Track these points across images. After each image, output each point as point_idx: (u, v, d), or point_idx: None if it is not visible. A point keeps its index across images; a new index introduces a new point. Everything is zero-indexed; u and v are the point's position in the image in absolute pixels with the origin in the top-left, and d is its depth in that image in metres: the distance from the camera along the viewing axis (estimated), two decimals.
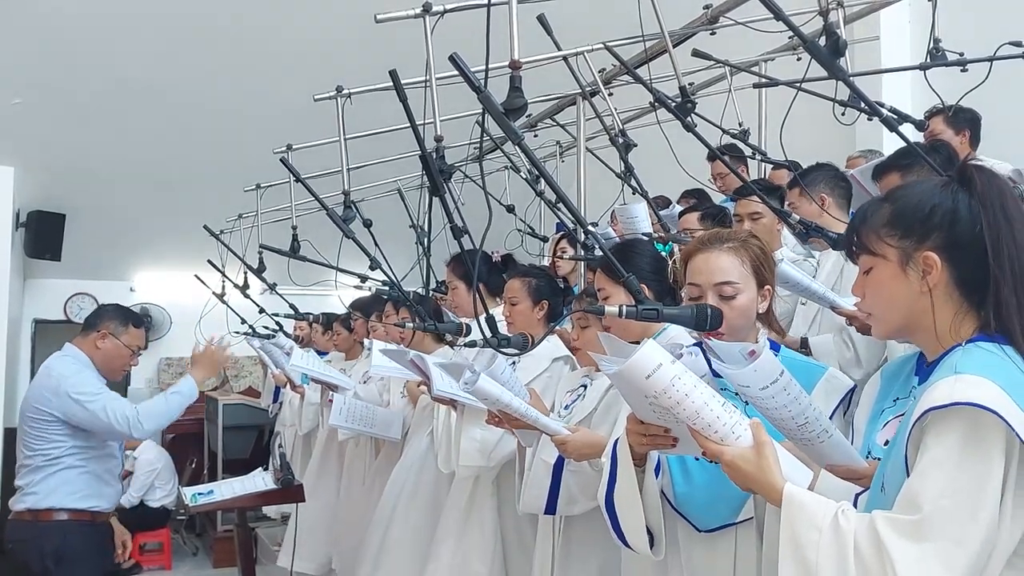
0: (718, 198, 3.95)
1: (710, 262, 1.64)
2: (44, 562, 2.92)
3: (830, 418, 1.48)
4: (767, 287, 1.64)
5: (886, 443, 1.33)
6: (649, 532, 1.55)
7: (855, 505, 1.22)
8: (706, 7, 3.01)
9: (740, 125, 3.73)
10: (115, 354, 3.11)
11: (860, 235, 1.24)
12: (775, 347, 1.65)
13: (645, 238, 2.68)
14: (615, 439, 1.60)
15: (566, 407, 2.20)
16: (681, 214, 3.32)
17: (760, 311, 1.64)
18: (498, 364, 1.95)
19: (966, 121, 3.14)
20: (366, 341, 3.82)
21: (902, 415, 1.33)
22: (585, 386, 2.24)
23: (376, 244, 2.95)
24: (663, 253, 2.16)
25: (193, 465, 7.15)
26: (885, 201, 1.24)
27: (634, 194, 3.02)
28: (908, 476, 1.07)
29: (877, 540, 1.03)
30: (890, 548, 1.01)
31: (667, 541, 1.60)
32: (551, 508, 2.08)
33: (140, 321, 3.20)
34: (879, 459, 1.31)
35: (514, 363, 2.43)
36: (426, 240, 3.59)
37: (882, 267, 1.21)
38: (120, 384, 6.39)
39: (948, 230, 1.17)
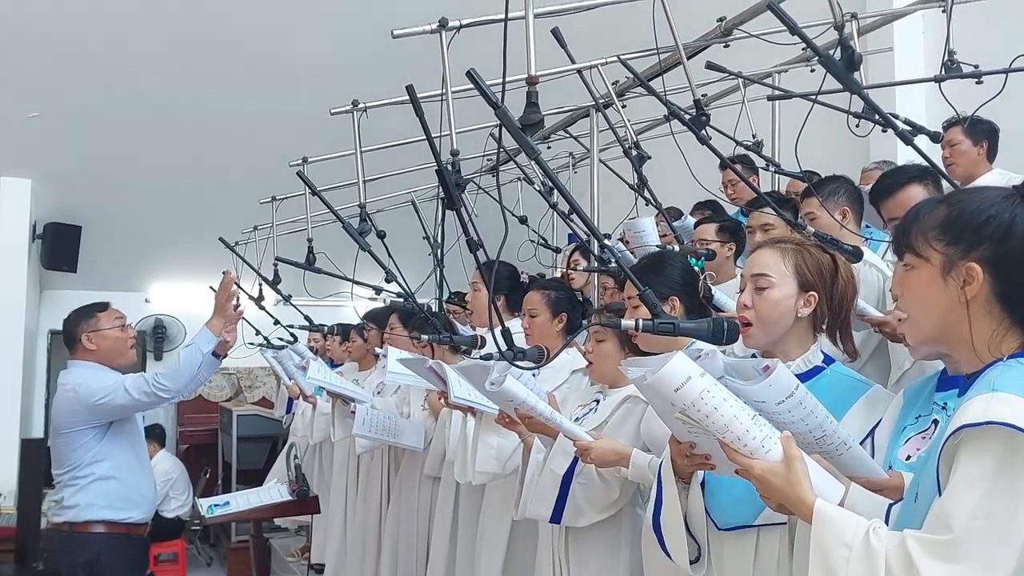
0: (731, 209, 3.94)
1: (756, 256, 1.69)
2: (76, 573, 2.96)
3: (869, 434, 1.49)
4: (812, 293, 1.63)
5: (908, 458, 1.33)
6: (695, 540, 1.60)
7: (887, 516, 1.22)
8: (720, 20, 3.01)
9: (754, 137, 3.73)
10: (108, 341, 3.12)
11: (909, 233, 1.20)
12: (828, 360, 1.65)
13: (676, 251, 2.68)
14: (661, 460, 1.63)
15: (576, 420, 2.20)
16: (697, 224, 3.33)
17: (801, 315, 1.63)
18: (515, 369, 1.96)
19: (984, 133, 3.13)
20: (379, 350, 3.83)
21: (924, 431, 1.33)
22: (598, 401, 2.25)
23: (390, 256, 2.96)
24: (696, 268, 2.16)
25: (207, 475, 7.18)
26: (943, 203, 1.20)
27: (647, 205, 3.02)
28: (939, 491, 1.06)
29: (908, 560, 1.02)
30: (920, 568, 1.01)
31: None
32: (556, 518, 2.09)
33: (103, 304, 3.21)
34: (899, 472, 1.31)
35: (533, 375, 2.44)
36: (439, 252, 3.60)
37: (923, 269, 1.17)
38: None
39: (998, 244, 1.12)
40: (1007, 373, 1.08)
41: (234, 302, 3.25)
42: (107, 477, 3.01)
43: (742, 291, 1.68)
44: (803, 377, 1.58)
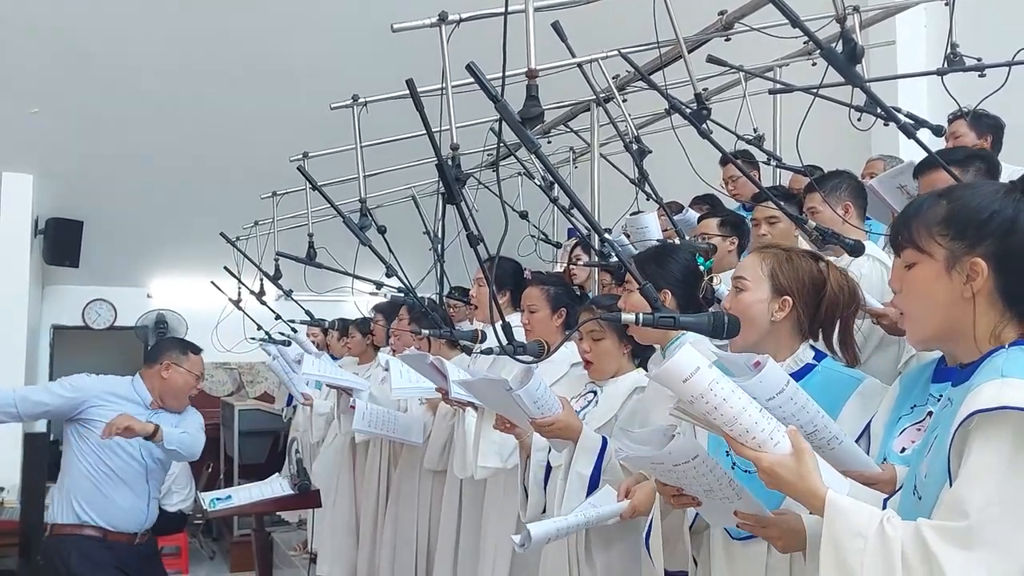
0: (730, 203, 3.93)
1: (743, 260, 1.74)
2: (59, 572, 3.05)
3: (866, 429, 1.49)
4: (785, 298, 1.64)
5: (903, 450, 1.33)
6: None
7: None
8: (721, 13, 3.00)
9: (755, 131, 3.72)
10: (181, 382, 3.29)
11: (910, 229, 1.20)
12: (819, 356, 1.65)
13: (683, 246, 2.67)
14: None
15: (576, 413, 2.20)
16: (700, 219, 3.32)
17: (775, 319, 1.64)
18: (535, 379, 1.94)
19: (989, 126, 3.10)
20: (381, 357, 3.83)
21: (919, 422, 1.32)
22: (595, 392, 2.24)
23: (391, 250, 2.96)
24: (702, 267, 2.14)
25: (209, 470, 7.18)
26: (942, 198, 1.21)
27: (648, 200, 3.01)
28: (950, 480, 1.05)
29: (925, 548, 1.01)
30: (938, 556, 1.00)
31: (703, 548, 1.68)
32: None
33: (197, 349, 3.40)
34: (893, 464, 1.30)
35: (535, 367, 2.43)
36: (440, 247, 3.60)
37: (927, 265, 1.18)
38: None
39: (1002, 239, 1.13)
40: (1013, 359, 1.09)
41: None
42: (64, 485, 3.13)
43: None
44: (794, 376, 1.58)
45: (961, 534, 1.00)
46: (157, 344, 3.52)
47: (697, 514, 1.64)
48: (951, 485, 1.05)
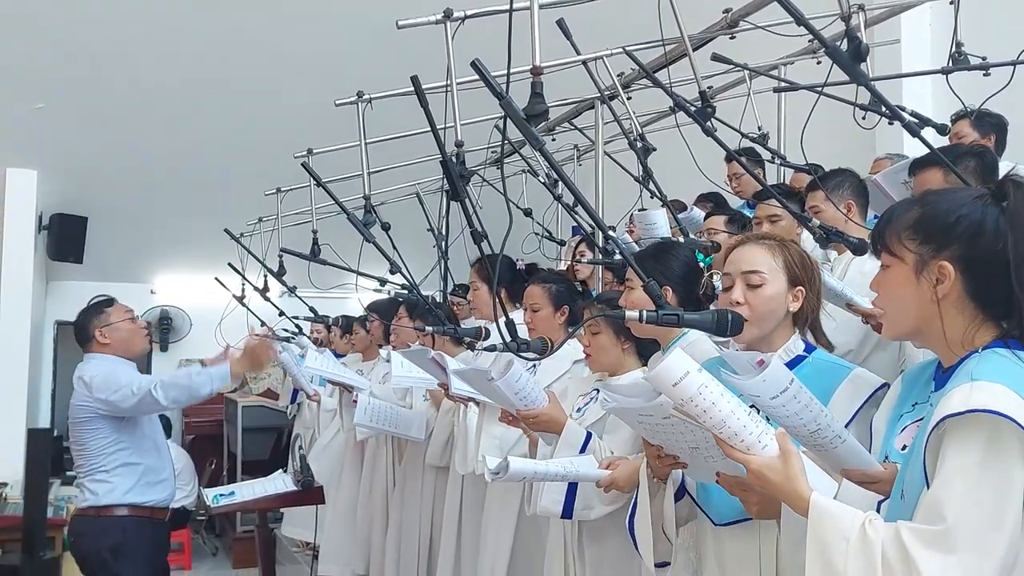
0: (734, 201, 3.93)
1: (743, 253, 1.70)
2: (102, 555, 3.07)
3: (853, 417, 1.51)
4: (800, 288, 1.66)
5: (904, 448, 1.34)
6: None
7: (877, 513, 1.22)
8: (726, 11, 3.00)
9: (759, 129, 3.72)
10: (124, 331, 3.25)
11: (884, 233, 1.24)
12: (809, 348, 1.67)
13: (683, 243, 2.67)
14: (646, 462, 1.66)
15: (578, 410, 2.22)
16: (707, 216, 3.32)
17: (791, 310, 1.66)
18: (514, 371, 1.96)
19: (992, 126, 3.10)
20: (383, 351, 3.83)
21: (920, 420, 1.33)
22: (599, 390, 2.25)
23: (395, 247, 2.96)
24: (701, 264, 2.15)
25: (212, 466, 7.21)
26: (916, 203, 1.24)
27: (652, 198, 3.01)
28: (927, 483, 1.07)
29: (904, 550, 1.03)
30: (917, 559, 1.02)
31: (693, 536, 1.69)
32: (567, 513, 2.10)
33: (109, 300, 3.37)
34: (896, 463, 1.31)
35: (534, 366, 2.44)
36: (444, 244, 3.60)
37: (898, 268, 1.21)
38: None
39: (969, 243, 1.15)
40: (984, 363, 1.11)
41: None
42: (129, 463, 3.12)
43: (728, 288, 1.68)
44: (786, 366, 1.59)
45: (939, 537, 1.02)
46: (76, 327, 3.38)
47: (679, 488, 1.65)
48: (928, 488, 1.07)
